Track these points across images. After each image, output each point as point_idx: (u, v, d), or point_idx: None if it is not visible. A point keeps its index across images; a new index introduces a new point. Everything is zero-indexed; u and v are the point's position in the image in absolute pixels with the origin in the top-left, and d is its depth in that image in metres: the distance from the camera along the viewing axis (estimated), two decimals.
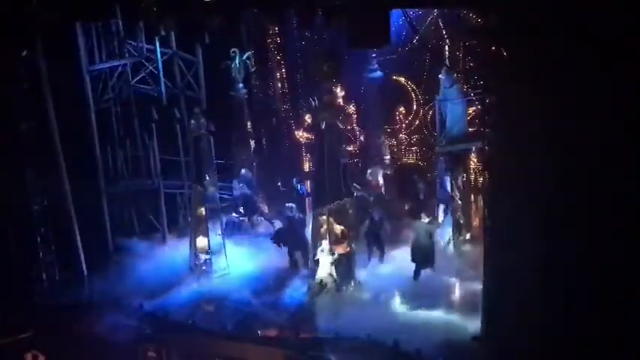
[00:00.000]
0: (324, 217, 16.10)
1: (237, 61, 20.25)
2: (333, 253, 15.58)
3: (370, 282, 16.14)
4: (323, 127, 16.54)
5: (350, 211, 16.61)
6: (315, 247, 16.22)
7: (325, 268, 15.57)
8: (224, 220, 18.59)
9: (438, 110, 17.86)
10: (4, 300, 14.94)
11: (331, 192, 16.39)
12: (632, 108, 10.07)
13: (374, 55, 20.30)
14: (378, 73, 20.51)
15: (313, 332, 13.97)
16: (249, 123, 21.78)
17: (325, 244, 15.74)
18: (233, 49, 19.86)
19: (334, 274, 15.59)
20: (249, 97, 21.36)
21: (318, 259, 15.76)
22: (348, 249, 15.95)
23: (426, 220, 16.34)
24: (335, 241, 15.84)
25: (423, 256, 16.08)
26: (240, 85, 20.60)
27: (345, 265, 15.81)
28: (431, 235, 16.22)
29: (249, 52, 20.03)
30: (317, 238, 16.28)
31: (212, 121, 18.63)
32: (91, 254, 17.71)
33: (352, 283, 15.84)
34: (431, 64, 19.51)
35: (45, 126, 16.56)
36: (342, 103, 21.37)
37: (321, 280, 15.53)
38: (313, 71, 17.23)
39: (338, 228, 16.09)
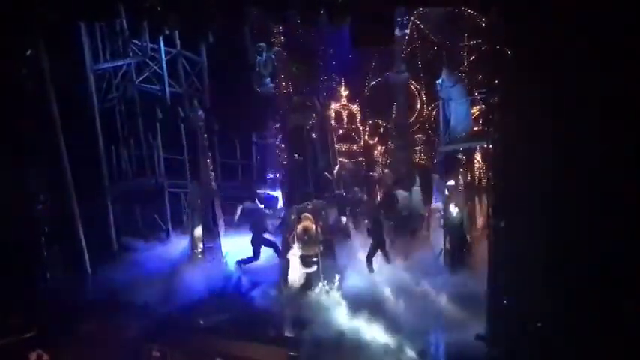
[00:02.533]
0: (299, 217, 16.00)
1: (263, 56, 20.04)
2: (306, 255, 15.50)
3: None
4: (291, 128, 16.67)
5: (323, 214, 16.43)
6: (285, 246, 16.18)
7: (296, 270, 15.48)
8: (219, 213, 18.69)
9: (442, 110, 17.81)
10: (9, 299, 14.95)
11: (299, 193, 16.70)
12: (634, 108, 10.05)
13: (403, 55, 20.12)
14: (405, 75, 20.32)
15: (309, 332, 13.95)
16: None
17: (296, 245, 15.65)
18: (260, 44, 19.72)
19: (307, 275, 15.49)
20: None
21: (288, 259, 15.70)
22: (317, 251, 15.68)
23: (456, 209, 16.40)
24: (304, 242, 15.66)
25: (457, 241, 16.24)
26: (267, 79, 20.40)
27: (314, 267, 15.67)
28: (462, 223, 16.37)
29: (278, 48, 19.84)
30: (287, 237, 16.18)
31: (214, 119, 18.75)
32: (95, 253, 17.70)
33: (319, 286, 15.57)
34: (435, 63, 19.43)
35: (49, 125, 16.57)
36: (345, 102, 21.46)
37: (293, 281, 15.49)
38: (282, 73, 17.14)
39: (309, 229, 15.84)
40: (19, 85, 15.54)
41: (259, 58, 19.52)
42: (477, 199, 18.31)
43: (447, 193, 17.11)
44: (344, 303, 14.97)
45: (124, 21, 18.27)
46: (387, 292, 15.46)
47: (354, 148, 22.30)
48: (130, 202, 20.03)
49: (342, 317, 14.33)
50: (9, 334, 14.30)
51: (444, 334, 13.55)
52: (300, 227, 15.66)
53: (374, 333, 13.52)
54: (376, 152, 22.46)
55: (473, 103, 18.37)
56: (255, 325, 14.63)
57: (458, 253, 16.39)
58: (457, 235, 16.45)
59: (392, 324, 13.81)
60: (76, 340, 14.56)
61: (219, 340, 14.17)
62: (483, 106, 18.35)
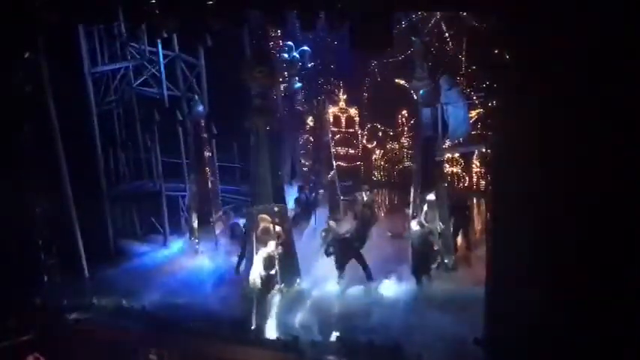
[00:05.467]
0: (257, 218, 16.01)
1: (290, 56, 19.85)
2: (266, 254, 15.39)
3: None
4: (254, 130, 16.83)
5: (283, 216, 16.37)
6: (247, 246, 16.30)
7: (257, 269, 15.41)
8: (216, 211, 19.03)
9: (440, 113, 17.77)
10: (6, 302, 14.92)
11: (259, 194, 16.92)
12: (634, 109, 10.05)
13: (421, 63, 19.88)
14: (427, 82, 20.06)
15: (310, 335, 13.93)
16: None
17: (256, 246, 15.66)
18: (287, 43, 19.59)
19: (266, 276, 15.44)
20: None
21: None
22: (276, 253, 15.51)
23: (417, 227, 16.11)
24: (264, 243, 15.63)
25: (420, 264, 15.89)
26: (295, 78, 20.22)
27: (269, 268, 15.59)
28: (426, 242, 15.98)
29: (305, 47, 19.68)
30: (250, 237, 16.11)
31: (213, 123, 18.77)
32: (92, 256, 17.64)
33: (275, 287, 15.53)
34: (433, 66, 19.37)
35: (47, 128, 16.52)
36: (344, 105, 21.49)
37: (254, 281, 15.30)
38: (245, 76, 17.18)
39: (268, 230, 15.82)
40: (17, 88, 15.54)
41: (285, 57, 19.42)
42: (474, 202, 18.34)
43: (425, 208, 16.70)
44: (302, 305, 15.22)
45: (122, 24, 18.26)
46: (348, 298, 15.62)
47: (352, 151, 22.38)
48: (128, 205, 20.03)
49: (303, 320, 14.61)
50: (6, 337, 14.26)
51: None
52: (259, 228, 15.71)
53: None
54: (374, 156, 22.51)
55: (471, 107, 18.34)
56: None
57: (419, 267, 16.01)
58: (419, 251, 15.96)
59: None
60: (74, 344, 14.52)
61: (216, 344, 14.15)
62: (481, 109, 18.39)
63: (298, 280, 16.25)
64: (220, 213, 19.05)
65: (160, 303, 15.59)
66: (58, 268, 16.95)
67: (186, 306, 15.54)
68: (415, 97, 17.65)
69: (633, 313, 10.51)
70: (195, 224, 18.70)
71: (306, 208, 19.43)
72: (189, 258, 18.38)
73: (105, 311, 15.44)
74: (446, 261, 16.58)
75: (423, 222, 16.26)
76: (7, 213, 15.32)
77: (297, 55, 19.67)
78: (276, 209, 16.14)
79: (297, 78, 20.12)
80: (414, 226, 16.09)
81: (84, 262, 17.48)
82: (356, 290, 15.98)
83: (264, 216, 15.86)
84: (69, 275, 17.13)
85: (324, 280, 16.37)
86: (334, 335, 13.82)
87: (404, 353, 12.95)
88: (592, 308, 10.74)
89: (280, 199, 17.31)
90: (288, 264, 15.94)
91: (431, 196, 16.60)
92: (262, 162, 17.05)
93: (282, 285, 15.53)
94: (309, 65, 20.09)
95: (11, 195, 15.43)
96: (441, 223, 16.56)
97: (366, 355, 13.15)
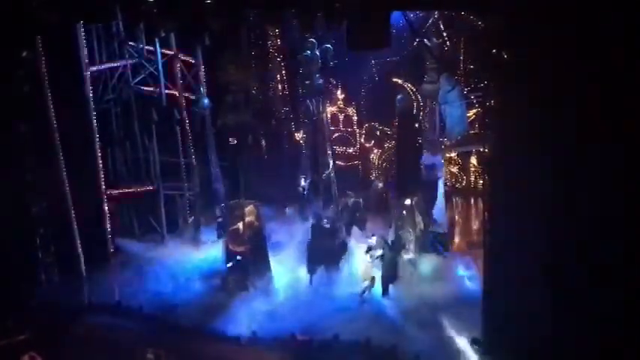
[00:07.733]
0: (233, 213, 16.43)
1: (311, 53, 19.80)
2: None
3: None
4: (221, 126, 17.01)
5: (255, 213, 16.57)
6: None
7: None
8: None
9: (438, 113, 17.78)
10: (3, 301, 14.88)
11: (233, 190, 17.64)
12: (633, 109, 10.05)
13: (432, 66, 19.77)
14: (437, 85, 19.92)
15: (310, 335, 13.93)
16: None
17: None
18: (310, 39, 19.58)
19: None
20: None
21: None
22: (243, 249, 15.82)
23: (374, 237, 16.21)
24: (234, 238, 15.92)
25: (387, 271, 15.90)
26: (317, 75, 20.15)
27: (238, 267, 15.86)
28: (391, 249, 15.99)
29: (328, 45, 19.65)
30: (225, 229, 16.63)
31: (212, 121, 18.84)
32: (90, 256, 17.64)
33: (247, 285, 15.83)
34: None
35: (45, 127, 16.53)
36: (341, 105, 21.44)
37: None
38: (220, 73, 17.23)
39: (238, 227, 16.11)
40: (16, 87, 15.52)
41: (306, 54, 19.40)
42: (472, 202, 18.33)
43: (404, 213, 16.75)
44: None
45: (120, 23, 18.27)
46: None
47: (350, 150, 22.36)
48: (126, 204, 20.00)
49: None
50: (3, 336, 14.22)
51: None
52: (246, 221, 16.08)
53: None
54: (372, 155, 22.53)
55: (469, 107, 18.34)
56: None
57: (385, 276, 15.98)
58: (385, 260, 15.96)
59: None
60: (70, 343, 14.49)
61: (214, 344, 14.15)
62: (479, 109, 18.39)
63: (267, 274, 16.33)
64: (222, 205, 19.04)
65: (157, 302, 15.58)
66: (55, 267, 16.92)
67: (183, 306, 15.54)
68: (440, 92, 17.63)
69: (633, 313, 10.49)
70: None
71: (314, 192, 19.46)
72: (187, 257, 18.32)
73: (102, 310, 15.41)
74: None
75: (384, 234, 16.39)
76: (5, 212, 15.29)
77: (327, 52, 19.64)
78: (250, 206, 16.24)
79: (318, 75, 20.06)
80: (377, 239, 16.11)
81: (82, 261, 17.49)
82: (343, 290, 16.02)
83: (243, 210, 16.12)
84: (66, 274, 17.11)
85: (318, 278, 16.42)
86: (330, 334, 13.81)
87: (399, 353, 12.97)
88: (590, 307, 10.73)
89: (252, 196, 17.31)
90: (259, 259, 16.20)
91: (407, 201, 16.55)
92: (235, 158, 17.19)
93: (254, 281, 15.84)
94: (332, 63, 20.02)
95: (9, 194, 15.40)
96: (421, 228, 16.59)
97: (363, 354, 13.15)
